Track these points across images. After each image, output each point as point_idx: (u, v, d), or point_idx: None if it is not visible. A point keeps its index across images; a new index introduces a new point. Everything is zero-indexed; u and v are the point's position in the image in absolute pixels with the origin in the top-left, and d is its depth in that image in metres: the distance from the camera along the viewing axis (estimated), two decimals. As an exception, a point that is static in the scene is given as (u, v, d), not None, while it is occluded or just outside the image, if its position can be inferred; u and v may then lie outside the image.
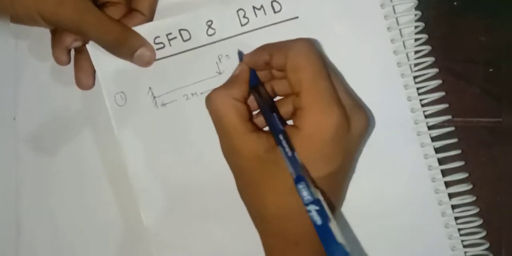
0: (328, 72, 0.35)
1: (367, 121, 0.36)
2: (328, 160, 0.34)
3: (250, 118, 0.36)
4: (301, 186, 0.31)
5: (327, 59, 0.39)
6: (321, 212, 0.30)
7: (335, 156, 0.34)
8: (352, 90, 0.39)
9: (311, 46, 0.35)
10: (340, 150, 0.34)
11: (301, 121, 0.34)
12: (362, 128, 0.35)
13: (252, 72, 0.37)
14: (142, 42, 0.39)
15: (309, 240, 0.33)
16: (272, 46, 0.37)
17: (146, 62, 0.39)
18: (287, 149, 0.33)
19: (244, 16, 0.40)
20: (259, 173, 0.35)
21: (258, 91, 0.37)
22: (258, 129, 0.36)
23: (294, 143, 0.33)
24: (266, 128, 0.37)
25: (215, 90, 0.36)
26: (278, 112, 0.36)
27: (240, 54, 0.39)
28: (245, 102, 0.36)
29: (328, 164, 0.34)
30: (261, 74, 0.38)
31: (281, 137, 0.33)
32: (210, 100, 0.36)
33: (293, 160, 0.32)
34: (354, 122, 0.34)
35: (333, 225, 0.30)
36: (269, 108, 0.35)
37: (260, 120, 0.37)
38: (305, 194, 0.31)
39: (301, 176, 0.31)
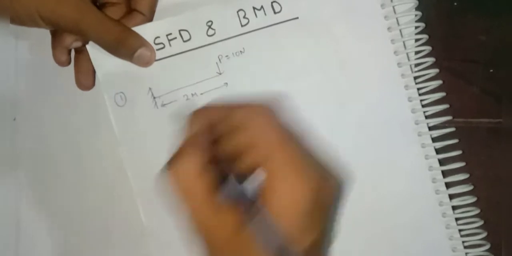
0: (293, 144, 0.32)
1: (338, 185, 0.35)
2: (307, 231, 0.31)
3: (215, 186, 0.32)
4: None
5: (285, 122, 0.35)
6: None
7: (313, 225, 0.32)
8: (319, 153, 0.38)
9: (269, 119, 0.33)
10: (318, 220, 0.32)
11: (271, 197, 0.31)
12: (335, 193, 0.34)
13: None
14: (142, 42, 0.39)
15: None
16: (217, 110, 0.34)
17: (146, 62, 0.39)
18: (266, 223, 0.30)
19: (244, 17, 0.40)
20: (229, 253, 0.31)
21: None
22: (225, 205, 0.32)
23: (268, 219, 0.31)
24: None
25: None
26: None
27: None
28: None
29: (307, 235, 0.31)
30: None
31: (254, 212, 0.31)
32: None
33: (272, 234, 0.30)
34: (325, 189, 0.32)
35: None
36: (235, 177, 0.33)
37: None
38: None
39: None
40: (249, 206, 0.31)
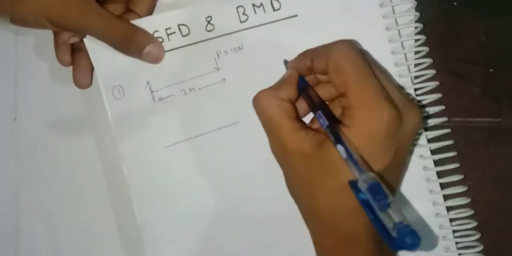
0: (372, 69, 0.34)
1: (420, 118, 0.35)
2: (379, 157, 0.33)
3: (298, 117, 0.36)
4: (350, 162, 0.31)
5: (371, 56, 0.39)
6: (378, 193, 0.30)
7: (386, 153, 0.33)
8: (401, 87, 0.39)
9: (351, 46, 0.35)
10: (391, 147, 0.33)
11: (351, 120, 0.33)
12: (415, 124, 0.35)
13: (301, 76, 0.37)
14: (150, 39, 0.39)
15: (365, 240, 0.33)
16: (312, 51, 0.37)
17: (155, 59, 0.39)
18: (346, 143, 0.32)
19: (243, 13, 0.40)
20: (308, 170, 0.34)
21: (307, 93, 0.36)
22: (306, 127, 0.35)
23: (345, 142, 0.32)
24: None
25: (262, 91, 0.36)
26: (328, 109, 0.35)
27: (286, 62, 0.39)
28: (292, 102, 0.36)
29: (379, 161, 0.33)
30: (307, 80, 0.38)
31: (328, 130, 0.33)
32: (256, 101, 0.35)
33: (351, 154, 0.32)
34: (406, 118, 0.34)
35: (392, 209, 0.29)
36: (318, 106, 0.35)
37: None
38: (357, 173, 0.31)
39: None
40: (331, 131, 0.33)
